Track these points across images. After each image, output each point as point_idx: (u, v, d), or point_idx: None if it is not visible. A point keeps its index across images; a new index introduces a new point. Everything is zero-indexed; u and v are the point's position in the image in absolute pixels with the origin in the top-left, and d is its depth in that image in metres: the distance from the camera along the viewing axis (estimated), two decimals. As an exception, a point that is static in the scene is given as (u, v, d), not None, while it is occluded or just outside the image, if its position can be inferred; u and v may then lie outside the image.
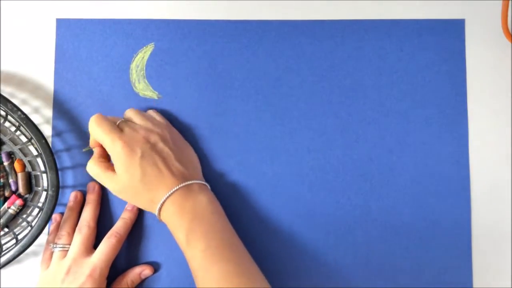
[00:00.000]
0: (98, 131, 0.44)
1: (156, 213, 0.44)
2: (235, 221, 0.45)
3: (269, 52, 0.50)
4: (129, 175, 0.43)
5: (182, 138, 0.48)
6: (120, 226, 0.47)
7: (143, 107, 0.50)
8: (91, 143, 0.47)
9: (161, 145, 0.45)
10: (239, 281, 0.41)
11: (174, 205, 0.43)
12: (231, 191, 0.49)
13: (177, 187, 0.43)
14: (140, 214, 0.49)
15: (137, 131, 0.45)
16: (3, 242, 0.48)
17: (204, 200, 0.44)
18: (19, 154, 0.49)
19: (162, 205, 0.43)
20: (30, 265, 0.49)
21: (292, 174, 0.49)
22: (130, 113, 0.47)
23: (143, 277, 0.48)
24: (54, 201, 0.45)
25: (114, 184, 0.44)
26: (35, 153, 0.49)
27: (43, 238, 0.48)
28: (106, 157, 0.46)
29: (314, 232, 0.49)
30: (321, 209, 0.48)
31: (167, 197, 0.43)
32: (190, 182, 0.44)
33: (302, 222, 0.49)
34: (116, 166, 0.44)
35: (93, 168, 0.45)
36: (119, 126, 0.45)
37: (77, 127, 0.50)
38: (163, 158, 0.44)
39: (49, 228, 0.49)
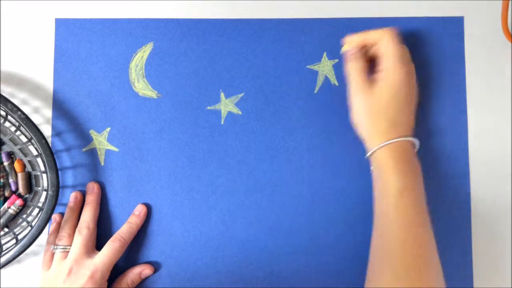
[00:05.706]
0: (395, 41, 0.44)
1: (374, 147, 0.44)
2: (233, 217, 0.45)
3: (268, 50, 0.50)
4: (393, 92, 0.44)
5: None
6: (125, 230, 0.48)
7: (143, 107, 0.50)
8: (351, 44, 0.46)
9: (417, 89, 0.47)
10: (433, 250, 0.42)
11: (404, 152, 0.44)
12: (230, 189, 0.49)
13: (411, 138, 0.45)
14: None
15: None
16: (3, 242, 0.48)
17: (419, 165, 0.45)
18: (19, 154, 0.49)
19: (391, 143, 0.44)
20: (30, 265, 0.49)
21: (291, 173, 0.49)
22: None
23: (143, 276, 0.48)
24: (54, 201, 0.45)
25: (365, 95, 0.44)
26: (35, 153, 0.49)
27: (43, 238, 0.48)
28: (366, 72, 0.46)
29: (314, 231, 0.49)
30: (321, 207, 0.47)
31: (403, 141, 0.44)
32: (417, 141, 0.46)
33: (302, 220, 0.49)
34: (386, 81, 0.44)
35: (355, 67, 0.45)
36: None
37: (77, 127, 0.50)
38: (416, 104, 0.46)
39: (49, 228, 0.49)
